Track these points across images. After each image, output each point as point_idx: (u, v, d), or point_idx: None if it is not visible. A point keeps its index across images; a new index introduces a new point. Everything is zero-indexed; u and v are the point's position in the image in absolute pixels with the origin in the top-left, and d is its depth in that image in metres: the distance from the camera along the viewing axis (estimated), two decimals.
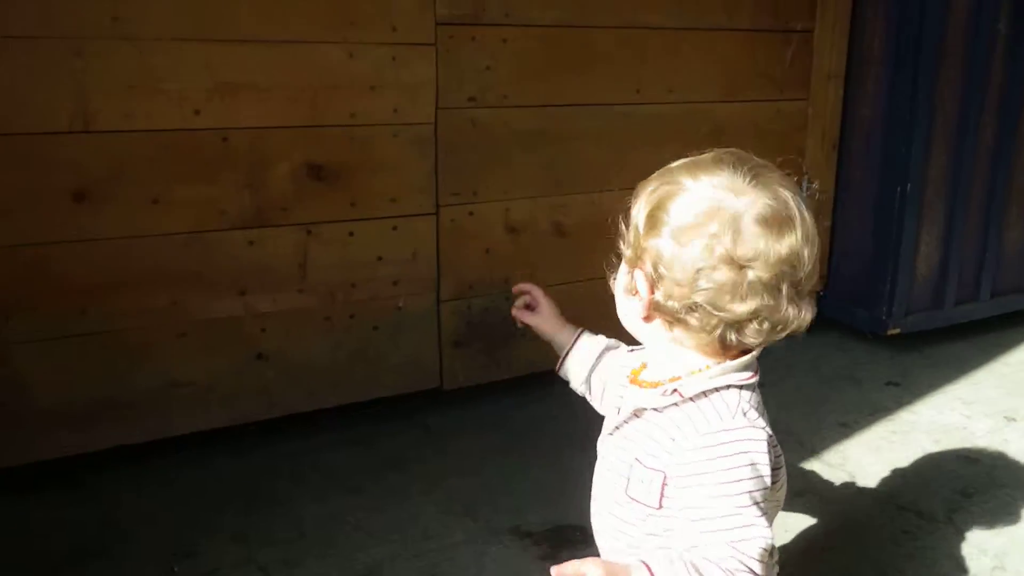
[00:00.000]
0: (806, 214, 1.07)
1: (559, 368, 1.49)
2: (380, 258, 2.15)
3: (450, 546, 1.74)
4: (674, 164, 1.12)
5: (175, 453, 2.04)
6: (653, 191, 1.09)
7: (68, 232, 1.79)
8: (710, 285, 1.04)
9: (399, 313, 2.22)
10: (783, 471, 1.17)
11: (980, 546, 1.76)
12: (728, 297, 1.04)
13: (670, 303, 1.07)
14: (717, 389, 1.07)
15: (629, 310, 1.14)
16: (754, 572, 1.01)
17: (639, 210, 1.09)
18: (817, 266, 1.08)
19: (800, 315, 1.07)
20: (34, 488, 1.89)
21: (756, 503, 1.03)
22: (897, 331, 2.80)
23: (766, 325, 1.06)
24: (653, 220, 1.07)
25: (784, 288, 1.05)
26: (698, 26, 2.50)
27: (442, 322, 2.29)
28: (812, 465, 2.08)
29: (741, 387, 1.09)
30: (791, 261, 1.04)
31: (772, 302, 1.04)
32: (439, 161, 2.17)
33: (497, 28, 2.18)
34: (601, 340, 1.44)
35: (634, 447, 1.10)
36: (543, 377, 2.37)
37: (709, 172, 1.07)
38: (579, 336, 1.46)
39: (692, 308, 1.06)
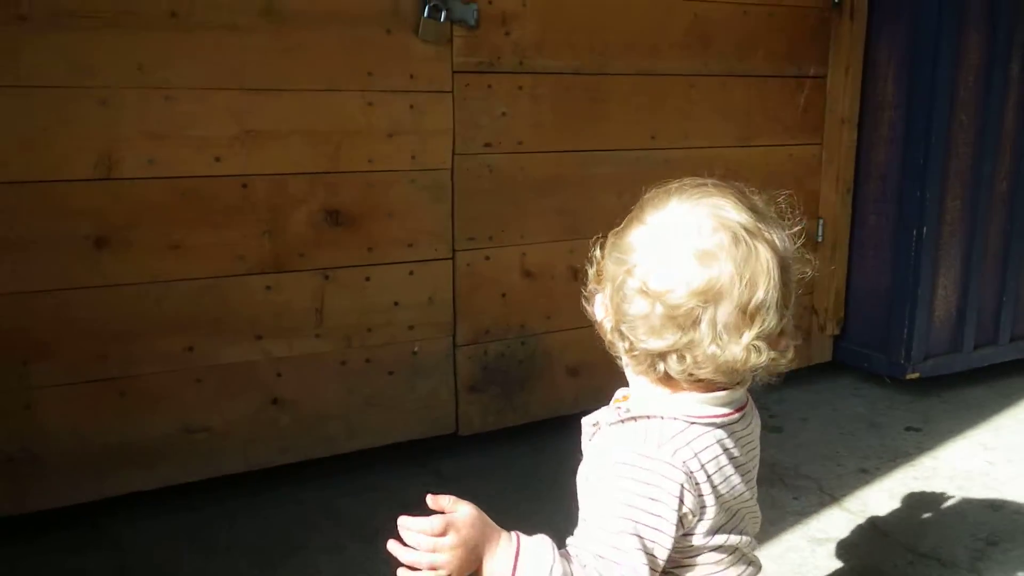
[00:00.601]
0: (756, 246, 1.01)
1: None
2: (396, 303, 2.16)
3: None
4: (654, 192, 1.14)
5: (190, 499, 2.03)
6: (626, 220, 1.12)
7: (89, 278, 1.81)
8: (630, 314, 1.03)
9: (415, 358, 2.22)
10: (727, 515, 1.11)
11: None
12: (643, 329, 1.02)
13: (607, 325, 1.08)
14: (650, 416, 1.05)
15: (632, 360, 1.11)
16: None
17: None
18: (777, 305, 1.01)
19: (736, 354, 0.99)
20: (51, 534, 1.89)
21: (639, 536, 1.00)
22: (916, 375, 2.78)
23: (688, 360, 1.01)
24: (612, 244, 1.10)
25: (703, 324, 1.00)
26: (712, 72, 2.53)
27: (458, 367, 2.28)
28: (832, 511, 2.06)
29: (691, 422, 1.05)
30: (708, 295, 0.99)
31: (689, 337, 1.00)
32: (456, 206, 2.19)
33: (513, 76, 2.21)
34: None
35: (589, 460, 1.12)
36: (559, 422, 2.37)
37: (667, 199, 1.09)
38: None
39: (619, 334, 1.06)
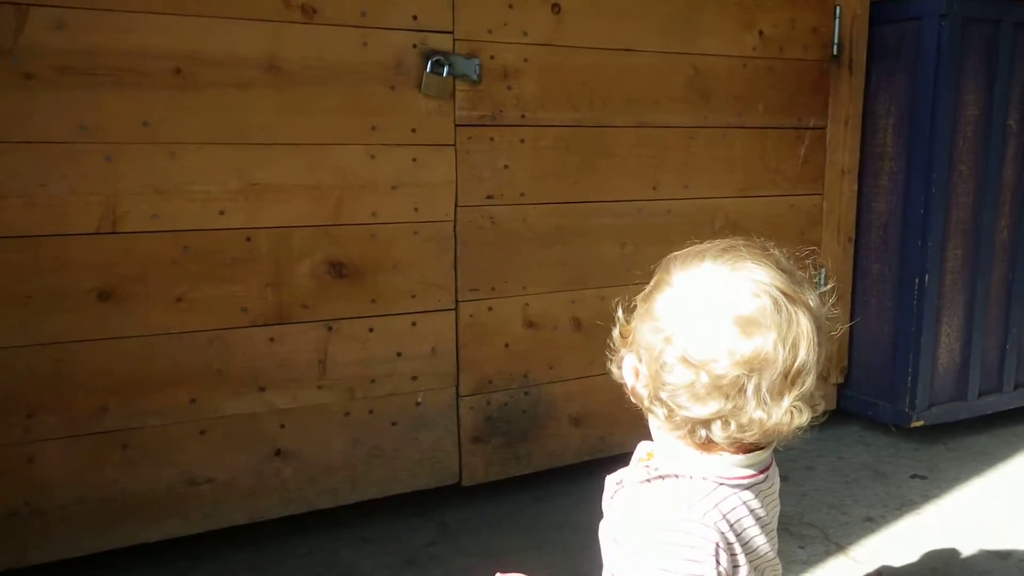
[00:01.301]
0: (795, 311, 1.01)
1: None
2: (399, 354, 2.17)
3: None
4: (682, 252, 1.10)
5: (192, 551, 2.02)
6: (653, 282, 1.10)
7: (92, 331, 1.83)
8: (670, 383, 1.02)
9: (418, 408, 2.22)
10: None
11: None
12: (686, 397, 1.01)
13: (642, 392, 1.06)
14: (678, 476, 1.05)
15: (656, 428, 1.11)
16: None
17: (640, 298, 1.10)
18: (815, 367, 1.02)
19: (780, 418, 1.00)
20: None
21: None
22: (920, 423, 2.77)
23: (732, 427, 1.01)
24: (641, 310, 1.08)
25: (748, 391, 0.99)
26: (712, 124, 2.56)
27: (461, 417, 2.28)
28: (839, 560, 2.04)
29: (720, 483, 1.05)
30: (754, 363, 0.99)
31: (734, 404, 1.00)
32: (458, 257, 2.21)
33: (514, 128, 2.24)
34: None
35: (613, 517, 1.10)
36: (564, 471, 2.37)
37: (699, 263, 1.06)
38: None
39: (659, 402, 1.04)
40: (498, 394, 2.33)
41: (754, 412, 0.99)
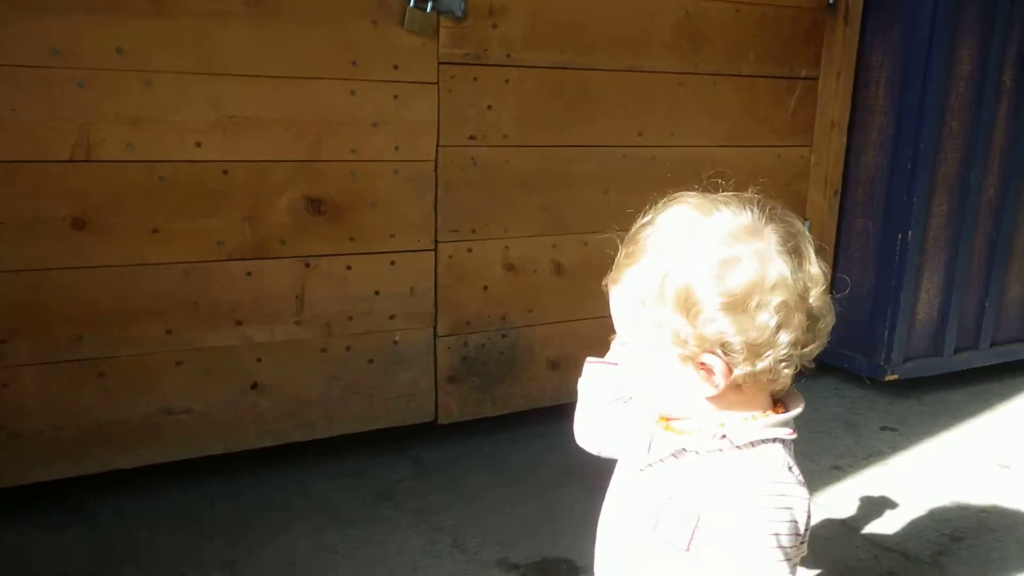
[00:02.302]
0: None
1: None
2: (377, 292, 2.18)
3: None
4: (666, 235, 1.03)
5: (168, 479, 2.06)
6: (669, 277, 1.00)
7: (67, 259, 1.83)
8: (788, 337, 0.98)
9: (395, 347, 2.24)
10: None
11: None
12: (797, 336, 0.99)
13: (760, 367, 0.99)
14: (765, 441, 1.03)
15: (677, 396, 1.06)
16: None
17: (669, 303, 0.99)
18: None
19: (815, 346, 1.03)
20: (27, 510, 1.91)
21: (788, 559, 1.01)
22: (895, 377, 2.80)
23: (795, 359, 1.01)
24: (692, 305, 0.98)
25: (796, 317, 0.99)
26: (701, 71, 2.54)
27: (438, 357, 2.30)
28: None
29: (784, 442, 1.05)
30: (800, 288, 1.00)
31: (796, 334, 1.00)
32: (439, 198, 2.20)
33: (499, 69, 2.22)
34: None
35: (667, 487, 1.06)
36: (537, 414, 2.40)
37: (709, 232, 1.01)
38: None
39: (781, 362, 1.00)
40: (476, 335, 2.34)
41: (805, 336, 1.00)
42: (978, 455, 2.42)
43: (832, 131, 2.84)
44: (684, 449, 1.05)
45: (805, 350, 1.01)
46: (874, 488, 2.18)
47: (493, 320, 2.36)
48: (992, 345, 3.00)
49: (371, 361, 2.22)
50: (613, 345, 1.17)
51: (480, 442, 2.36)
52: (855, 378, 2.94)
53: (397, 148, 2.12)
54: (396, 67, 2.07)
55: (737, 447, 1.02)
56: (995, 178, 2.87)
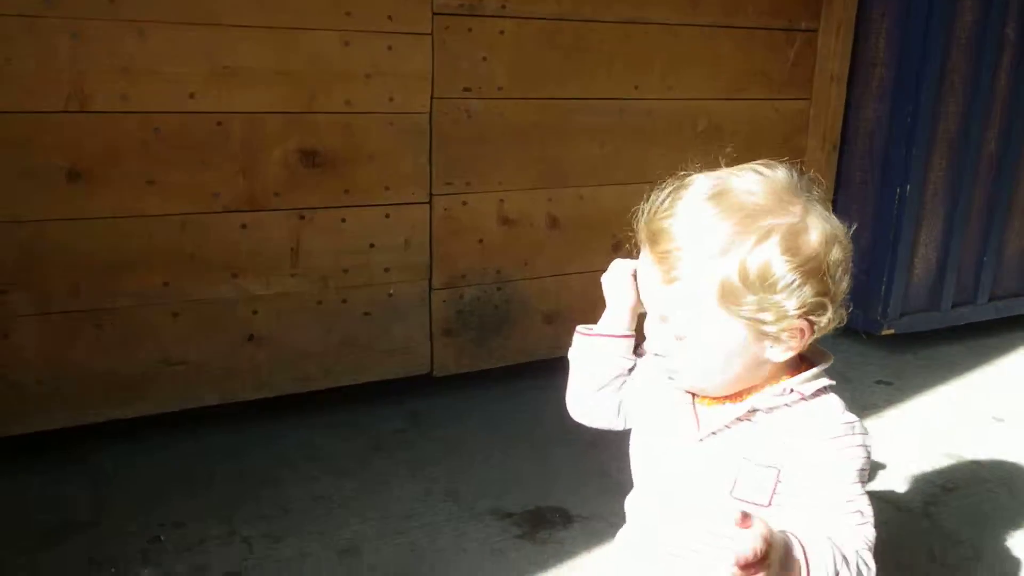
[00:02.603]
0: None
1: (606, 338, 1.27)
2: (372, 245, 2.19)
3: (431, 525, 1.78)
4: (716, 218, 1.02)
5: (167, 430, 2.08)
6: (748, 262, 0.99)
7: (62, 210, 1.83)
8: (846, 284, 1.04)
9: (391, 300, 2.25)
10: None
11: (955, 538, 1.77)
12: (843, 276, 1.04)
13: (832, 318, 1.04)
14: (822, 390, 1.08)
15: (751, 369, 1.07)
16: (871, 548, 1.04)
17: (756, 286, 1.00)
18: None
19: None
20: (27, 459, 1.94)
21: (866, 492, 1.06)
22: (891, 331, 2.81)
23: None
24: (773, 281, 1.00)
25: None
26: (699, 22, 2.51)
27: (433, 310, 2.32)
28: None
29: (833, 388, 1.10)
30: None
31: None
32: (433, 150, 2.20)
33: (494, 20, 2.21)
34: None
35: (740, 448, 1.08)
36: (534, 366, 2.41)
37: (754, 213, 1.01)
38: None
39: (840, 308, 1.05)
40: (471, 288, 2.35)
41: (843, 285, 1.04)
42: (973, 408, 2.43)
43: (832, 84, 2.82)
44: (753, 410, 1.07)
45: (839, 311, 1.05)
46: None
47: (488, 273, 2.36)
48: (990, 300, 3.00)
49: (367, 314, 2.23)
50: (649, 327, 1.12)
51: (475, 395, 2.38)
52: (852, 333, 2.92)
53: (391, 100, 2.11)
54: (390, 18, 2.06)
55: (803, 399, 1.06)
56: (996, 132, 2.85)
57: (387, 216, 2.18)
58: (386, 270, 2.22)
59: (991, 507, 1.91)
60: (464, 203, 2.28)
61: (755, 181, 1.03)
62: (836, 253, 1.02)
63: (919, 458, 2.12)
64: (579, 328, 1.29)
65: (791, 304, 1.00)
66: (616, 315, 1.25)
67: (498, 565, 1.64)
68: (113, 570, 1.59)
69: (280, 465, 2.00)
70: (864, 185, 2.87)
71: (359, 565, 1.63)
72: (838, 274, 1.03)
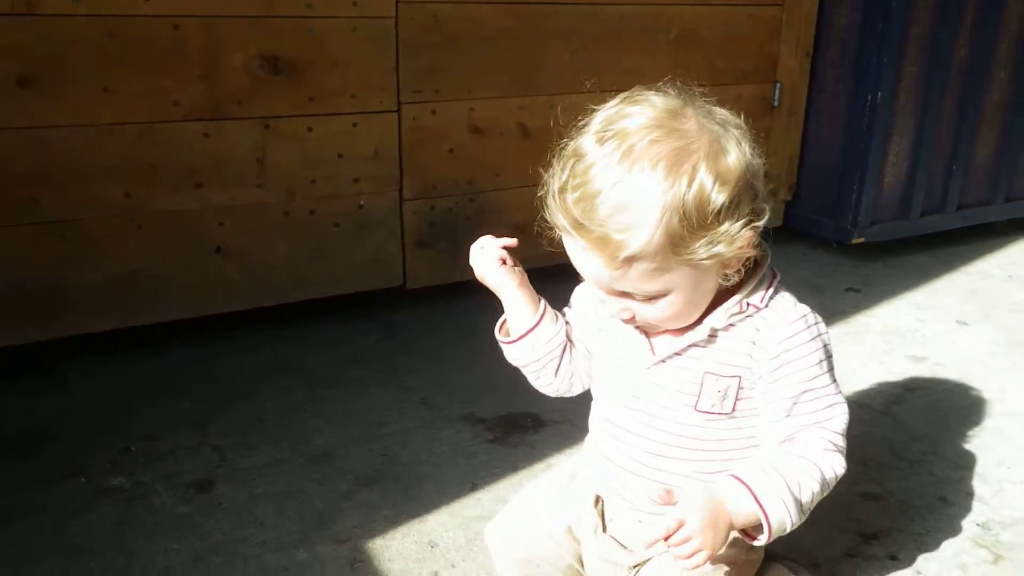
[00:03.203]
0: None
1: (527, 333, 1.22)
2: (340, 155, 2.15)
3: (403, 431, 1.79)
4: (648, 175, 0.96)
5: (138, 345, 2.08)
6: (686, 205, 0.96)
7: (15, 119, 1.79)
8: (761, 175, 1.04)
9: (361, 211, 2.23)
10: None
11: (915, 434, 1.81)
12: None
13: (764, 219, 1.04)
14: (776, 289, 1.09)
15: (712, 290, 1.06)
16: (839, 447, 1.07)
17: (708, 224, 0.97)
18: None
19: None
20: (2, 377, 1.93)
21: (834, 380, 1.09)
22: (861, 240, 2.83)
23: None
24: (716, 215, 0.97)
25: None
26: None
27: (405, 221, 2.30)
28: None
29: (781, 282, 1.11)
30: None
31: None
32: (400, 57, 2.15)
33: None
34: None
35: (701, 364, 1.09)
36: None
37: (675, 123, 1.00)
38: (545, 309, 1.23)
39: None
40: (442, 200, 2.33)
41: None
42: (938, 313, 2.46)
43: None
44: (713, 329, 1.07)
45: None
46: (833, 344, 2.22)
47: (460, 184, 2.34)
48: (959, 208, 3.02)
49: (337, 225, 2.21)
50: (604, 299, 1.08)
51: (448, 307, 2.38)
52: (824, 244, 2.96)
53: (355, 3, 2.05)
54: None
55: (759, 308, 1.07)
56: (967, 39, 2.82)
57: (355, 125, 2.15)
58: (355, 181, 2.19)
59: (950, 405, 1.95)
60: (433, 112, 2.24)
61: (647, 124, 0.98)
62: (747, 148, 1.01)
63: (884, 361, 2.16)
64: (498, 337, 1.25)
65: (737, 225, 0.99)
66: (517, 306, 1.20)
67: (469, 467, 1.66)
68: (83, 479, 1.59)
69: (253, 378, 2.00)
70: (836, 93, 2.85)
71: (331, 470, 1.64)
72: (758, 168, 1.02)
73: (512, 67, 2.32)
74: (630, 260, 0.97)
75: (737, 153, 0.99)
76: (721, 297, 1.08)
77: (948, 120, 2.88)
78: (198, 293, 2.09)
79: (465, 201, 2.37)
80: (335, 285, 2.26)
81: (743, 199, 0.99)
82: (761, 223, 1.02)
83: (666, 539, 1.00)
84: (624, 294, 1.03)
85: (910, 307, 2.51)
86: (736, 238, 0.98)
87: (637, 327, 1.11)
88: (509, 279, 1.20)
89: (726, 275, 1.04)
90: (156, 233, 1.99)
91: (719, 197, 0.96)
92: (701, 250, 0.97)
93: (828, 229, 2.90)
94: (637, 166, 0.96)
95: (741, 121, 1.04)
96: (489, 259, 1.21)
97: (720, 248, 0.98)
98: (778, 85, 2.83)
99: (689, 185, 0.95)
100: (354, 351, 2.16)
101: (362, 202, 2.22)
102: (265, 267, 2.15)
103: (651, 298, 1.03)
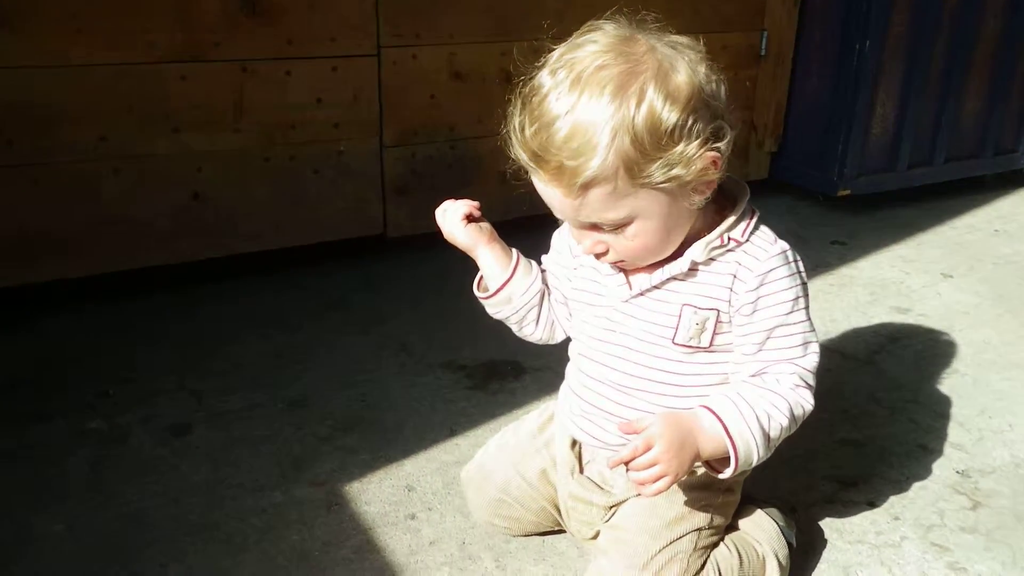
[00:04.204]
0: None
1: (503, 286, 1.23)
2: (319, 100, 2.11)
3: (383, 378, 1.78)
4: (595, 105, 0.94)
5: (115, 291, 2.05)
6: (639, 127, 0.94)
7: None
8: (722, 97, 1.01)
9: (341, 157, 2.19)
10: None
11: (896, 382, 1.81)
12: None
13: (731, 137, 1.01)
14: (756, 224, 1.08)
15: (685, 223, 1.04)
16: (809, 384, 1.08)
17: (663, 146, 0.95)
18: None
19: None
20: None
21: (809, 318, 1.08)
22: (847, 192, 2.81)
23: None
24: (669, 135, 0.95)
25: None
26: None
27: (385, 168, 2.26)
28: None
29: (759, 217, 1.10)
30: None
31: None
32: None
33: None
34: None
35: (679, 297, 1.08)
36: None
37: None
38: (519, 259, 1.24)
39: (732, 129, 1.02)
40: (423, 146, 2.30)
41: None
42: (923, 266, 2.46)
43: None
44: (693, 263, 1.06)
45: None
46: (818, 295, 2.22)
47: (441, 130, 2.31)
48: (947, 161, 3.00)
49: (316, 171, 2.17)
50: (574, 236, 1.08)
51: (429, 256, 2.34)
52: (811, 196, 2.94)
53: None
54: None
55: (740, 242, 1.06)
56: None
57: (334, 69, 2.10)
58: (335, 126, 2.15)
59: (933, 354, 1.95)
60: (414, 56, 2.20)
61: (596, 51, 0.97)
62: (703, 69, 0.98)
63: (868, 311, 2.15)
64: (476, 294, 1.26)
65: (693, 146, 0.96)
66: (489, 262, 1.21)
67: (448, 413, 1.65)
68: (60, 421, 1.57)
69: (232, 325, 1.98)
70: (824, 42, 2.81)
71: (309, 415, 1.63)
72: (716, 89, 0.99)
73: (493, 10, 2.28)
74: (586, 186, 0.96)
75: (688, 72, 0.96)
76: (700, 233, 1.07)
77: (937, 71, 2.85)
78: (176, 239, 2.06)
79: (446, 148, 2.34)
80: (315, 233, 2.24)
81: (698, 119, 0.96)
82: (723, 144, 0.99)
83: (631, 462, 1.00)
84: (594, 227, 1.02)
85: (895, 259, 2.50)
86: (694, 160, 0.96)
87: (615, 265, 1.10)
88: (477, 236, 1.21)
89: (693, 202, 1.02)
90: (133, 178, 1.96)
91: (670, 116, 0.94)
92: (658, 173, 0.96)
93: (814, 180, 2.88)
94: (586, 92, 0.94)
95: (699, 46, 1.01)
96: (454, 219, 1.21)
97: (678, 171, 0.96)
98: (765, 34, 2.78)
99: (638, 106, 0.94)
100: (334, 299, 2.14)
101: (342, 148, 2.19)
102: (244, 214, 2.12)
103: (618, 228, 1.01)
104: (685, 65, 0.97)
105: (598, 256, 1.06)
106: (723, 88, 1.00)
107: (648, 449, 1.00)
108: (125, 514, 1.35)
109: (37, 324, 1.94)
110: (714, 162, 0.98)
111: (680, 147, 0.96)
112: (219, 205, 2.08)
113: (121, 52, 1.86)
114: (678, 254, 1.07)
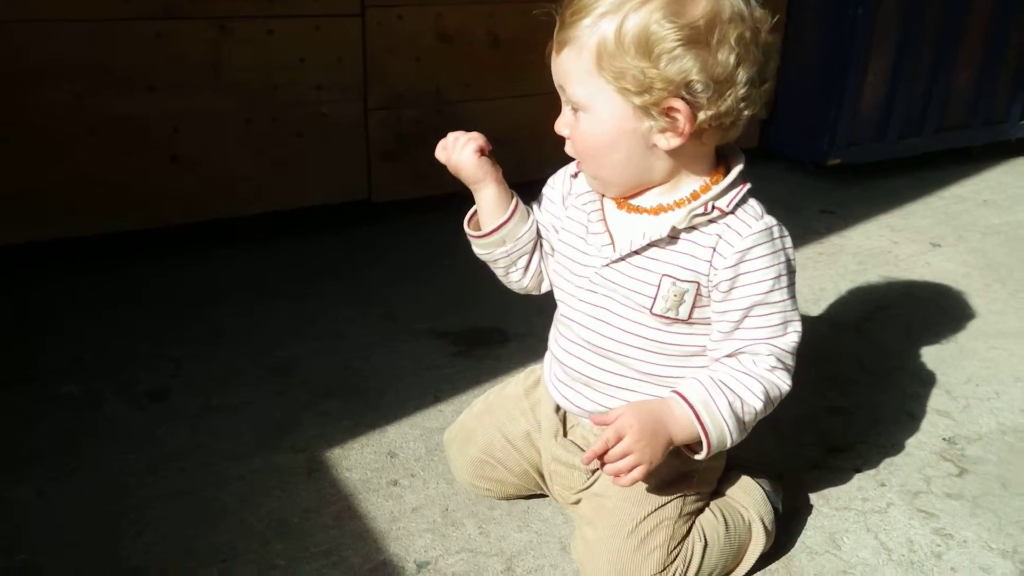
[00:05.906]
0: None
1: (499, 227, 1.19)
2: (302, 60, 2.06)
3: (366, 344, 1.75)
4: None
5: (92, 256, 2.01)
6: (627, 22, 0.94)
7: None
8: (747, 74, 0.96)
9: (325, 120, 2.15)
10: None
11: (884, 350, 1.80)
12: (754, 73, 0.97)
13: (723, 108, 0.96)
14: (745, 196, 1.04)
15: (641, 156, 1.02)
16: (786, 365, 1.05)
17: (630, 50, 0.94)
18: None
19: None
20: None
21: (792, 296, 1.05)
22: (838, 161, 2.78)
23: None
24: (655, 44, 0.93)
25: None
26: None
27: (370, 132, 2.22)
28: None
29: (751, 191, 1.06)
30: (753, 22, 0.99)
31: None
32: None
33: None
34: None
35: (660, 266, 1.05)
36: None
37: None
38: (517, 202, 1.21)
39: (742, 101, 0.97)
40: (409, 110, 2.25)
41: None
42: (912, 235, 2.44)
43: None
44: (674, 228, 1.03)
45: (763, 87, 0.99)
46: (807, 264, 2.20)
47: (427, 94, 2.26)
48: (937, 131, 2.98)
49: (299, 135, 2.13)
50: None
51: (415, 222, 2.32)
52: (801, 166, 2.92)
53: None
54: None
55: (724, 212, 1.03)
56: None
57: (317, 29, 2.05)
58: (318, 88, 2.11)
59: (921, 323, 1.93)
60: (399, 17, 2.15)
61: None
62: (734, 30, 0.94)
63: (856, 280, 2.13)
64: (466, 230, 1.22)
65: (665, 74, 0.94)
66: (491, 200, 1.17)
67: (432, 379, 1.63)
68: (32, 385, 1.54)
69: (213, 290, 1.94)
70: (817, 10, 2.77)
71: (291, 380, 1.60)
72: (728, 55, 0.94)
73: None
74: (563, 42, 0.98)
75: (712, 10, 0.93)
76: (687, 200, 1.04)
77: (929, 40, 2.81)
78: (154, 203, 2.01)
79: (433, 112, 2.29)
80: (298, 197, 2.20)
81: (689, 55, 0.93)
82: (700, 101, 0.95)
83: (604, 454, 1.00)
84: (562, 94, 1.03)
85: (884, 229, 2.48)
86: (654, 90, 0.95)
87: (580, 168, 1.10)
88: (488, 170, 1.17)
89: (655, 141, 0.99)
90: (108, 138, 1.91)
91: (658, 30, 0.93)
92: (612, 72, 0.95)
93: (804, 149, 2.85)
94: None
95: (767, 20, 0.97)
96: (468, 150, 1.16)
97: (628, 84, 0.95)
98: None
99: (642, 5, 0.93)
100: (317, 264, 2.10)
101: (325, 110, 2.14)
102: (224, 178, 2.07)
103: (577, 112, 1.02)
104: (716, 3, 0.94)
105: (566, 142, 1.06)
106: (747, 67, 0.95)
107: (619, 440, 0.99)
108: (99, 480, 1.32)
109: (7, 287, 1.89)
110: (678, 111, 0.96)
111: (643, 64, 0.94)
112: (199, 169, 2.03)
113: (95, 8, 1.80)
114: (657, 214, 1.06)
